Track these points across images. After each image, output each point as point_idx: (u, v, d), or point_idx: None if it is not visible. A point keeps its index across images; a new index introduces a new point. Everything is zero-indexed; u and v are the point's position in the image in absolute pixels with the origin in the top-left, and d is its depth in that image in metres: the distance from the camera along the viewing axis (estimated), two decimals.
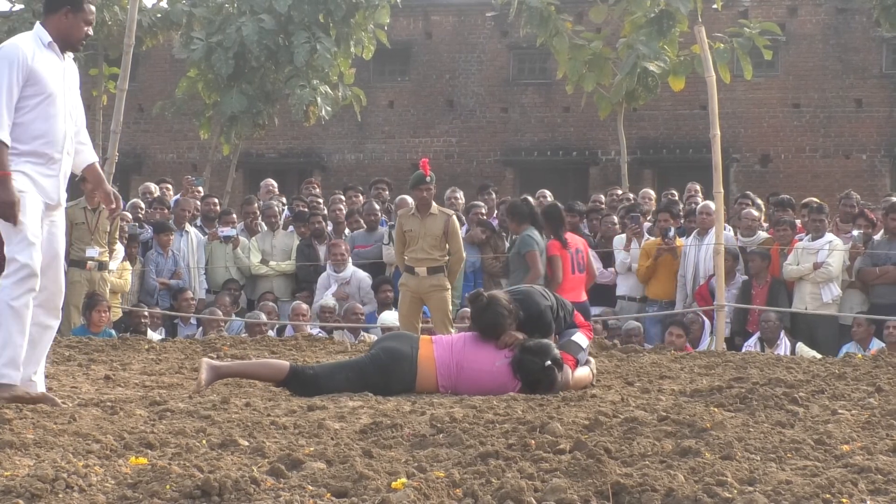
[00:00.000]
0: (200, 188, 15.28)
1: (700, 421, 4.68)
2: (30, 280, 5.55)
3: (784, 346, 10.68)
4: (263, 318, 11.54)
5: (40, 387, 5.68)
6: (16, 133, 5.65)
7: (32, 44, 5.71)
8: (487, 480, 3.75)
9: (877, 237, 11.52)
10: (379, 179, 14.94)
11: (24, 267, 5.54)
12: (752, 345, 10.80)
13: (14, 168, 5.62)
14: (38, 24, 5.84)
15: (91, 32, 5.92)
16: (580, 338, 6.56)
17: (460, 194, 13.96)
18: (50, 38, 5.75)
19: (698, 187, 14.41)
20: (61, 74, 5.78)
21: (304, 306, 11.78)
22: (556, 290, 8.85)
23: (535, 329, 6.36)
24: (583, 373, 6.43)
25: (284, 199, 14.69)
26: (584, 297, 9.87)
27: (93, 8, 5.89)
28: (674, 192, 14.62)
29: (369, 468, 3.87)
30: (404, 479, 3.72)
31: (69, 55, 5.92)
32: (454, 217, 10.14)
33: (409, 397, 5.92)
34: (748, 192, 14.20)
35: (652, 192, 14.89)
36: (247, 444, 4.37)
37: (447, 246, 9.89)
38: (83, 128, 6.05)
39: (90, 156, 6.14)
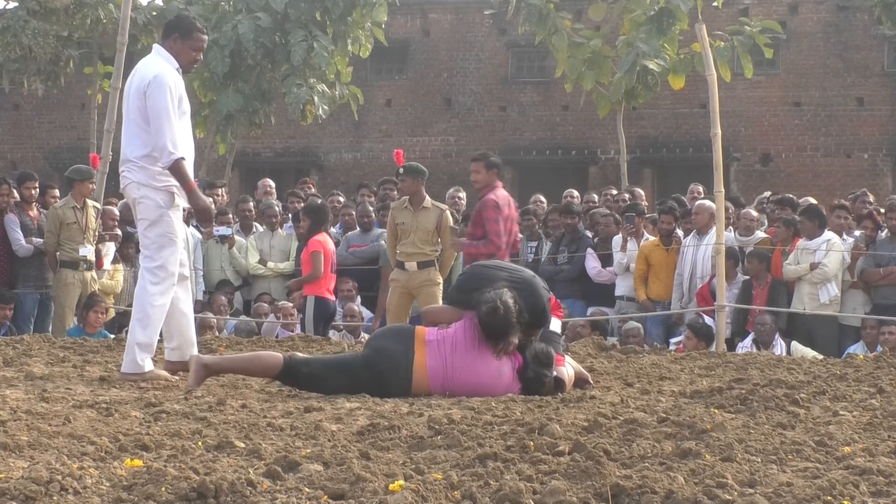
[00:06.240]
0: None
1: (700, 422, 4.68)
2: (172, 287, 6.64)
3: (780, 347, 10.66)
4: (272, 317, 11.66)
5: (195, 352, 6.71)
6: None
7: (172, 71, 6.69)
8: (486, 482, 3.75)
9: (882, 235, 11.50)
10: (387, 179, 14.66)
11: (172, 276, 6.61)
12: (747, 345, 10.79)
13: (172, 182, 6.63)
14: (160, 48, 6.79)
15: (200, 58, 6.95)
16: (555, 325, 6.45)
17: (464, 194, 13.95)
18: (177, 64, 6.75)
19: (701, 189, 14.40)
20: (187, 95, 6.82)
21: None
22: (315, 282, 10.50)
23: (532, 324, 6.25)
24: (569, 368, 6.40)
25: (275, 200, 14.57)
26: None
27: (203, 36, 6.87)
28: (672, 200, 14.61)
29: (367, 470, 3.87)
30: (402, 482, 3.72)
31: None
32: (448, 212, 10.13)
33: (407, 399, 5.91)
34: (737, 196, 14.21)
35: (641, 192, 14.89)
36: (243, 445, 4.37)
37: (439, 241, 9.87)
38: None
39: None
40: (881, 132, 22.34)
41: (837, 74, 22.43)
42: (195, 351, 6.80)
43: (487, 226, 9.22)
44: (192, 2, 18.70)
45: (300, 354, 6.32)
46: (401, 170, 9.95)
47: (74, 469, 3.78)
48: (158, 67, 6.70)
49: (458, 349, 6.09)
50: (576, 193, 14.66)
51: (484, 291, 6.12)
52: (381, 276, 11.39)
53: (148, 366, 6.62)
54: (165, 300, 6.64)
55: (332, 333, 11.41)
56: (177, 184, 6.67)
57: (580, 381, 6.47)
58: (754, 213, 12.39)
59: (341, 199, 14.63)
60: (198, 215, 6.67)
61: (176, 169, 6.61)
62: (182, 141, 6.67)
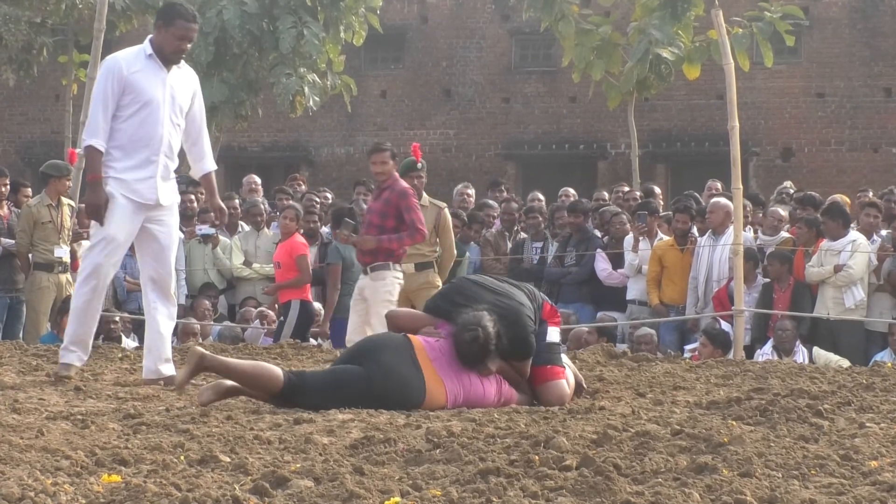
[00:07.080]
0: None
1: (717, 435, 4.69)
2: (92, 278, 6.84)
3: (801, 354, 10.64)
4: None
5: (168, 372, 6.92)
6: (116, 138, 6.82)
7: (134, 56, 6.89)
8: (488, 499, 3.75)
9: None
10: None
11: (90, 268, 6.84)
12: (766, 352, 10.78)
13: (110, 174, 6.81)
14: (147, 38, 6.98)
15: (186, 47, 6.96)
16: (553, 335, 6.46)
17: (472, 191, 14.01)
18: (151, 51, 6.87)
19: (719, 185, 14.39)
20: (162, 84, 6.86)
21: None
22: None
23: (512, 355, 6.20)
24: (570, 377, 6.41)
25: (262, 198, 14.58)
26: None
27: (188, 24, 6.89)
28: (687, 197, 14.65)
29: (360, 486, 3.87)
30: (398, 498, 3.72)
31: (182, 67, 7.04)
32: (446, 210, 10.14)
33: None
34: (757, 194, 14.23)
35: (657, 189, 14.91)
36: (228, 460, 4.38)
37: (437, 241, 9.87)
38: (202, 136, 7.24)
39: (208, 165, 7.33)
40: None
41: (864, 63, 22.44)
42: (171, 368, 7.01)
43: (410, 214, 9.11)
44: None
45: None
46: (419, 165, 9.96)
47: (48, 485, 3.79)
48: (118, 53, 7.03)
49: (454, 363, 6.05)
50: (571, 192, 14.67)
51: (463, 312, 6.09)
52: (330, 273, 11.40)
53: (66, 358, 6.94)
54: (83, 292, 6.91)
55: (320, 341, 11.43)
56: (117, 175, 6.87)
57: (577, 387, 6.50)
58: (782, 213, 12.38)
59: (329, 195, 14.64)
60: (86, 207, 7.03)
61: (85, 155, 7.02)
62: (128, 132, 6.88)
